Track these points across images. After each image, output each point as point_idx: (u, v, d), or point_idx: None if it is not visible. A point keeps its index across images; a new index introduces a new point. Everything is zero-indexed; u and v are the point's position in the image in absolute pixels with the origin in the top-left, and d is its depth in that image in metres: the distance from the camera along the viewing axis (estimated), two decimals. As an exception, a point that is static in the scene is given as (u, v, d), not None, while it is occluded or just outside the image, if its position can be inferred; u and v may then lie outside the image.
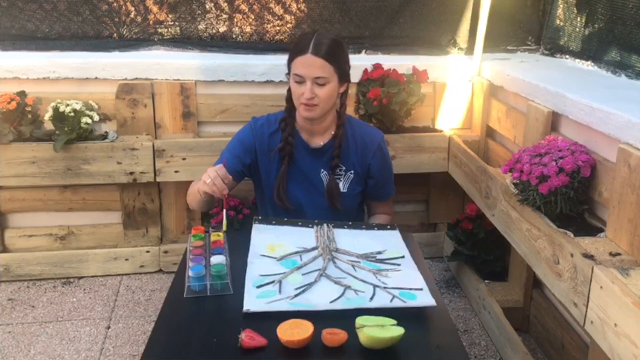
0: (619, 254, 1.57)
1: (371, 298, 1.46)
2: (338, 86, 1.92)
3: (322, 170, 2.02)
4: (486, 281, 2.62)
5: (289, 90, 1.99)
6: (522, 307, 2.48)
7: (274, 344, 1.28)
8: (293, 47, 1.91)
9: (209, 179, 1.74)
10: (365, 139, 2.04)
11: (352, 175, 2.03)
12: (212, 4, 2.88)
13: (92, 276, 2.85)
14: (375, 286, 1.51)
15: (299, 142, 2.01)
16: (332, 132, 2.02)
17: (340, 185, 2.02)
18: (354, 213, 2.10)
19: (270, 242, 1.73)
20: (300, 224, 1.86)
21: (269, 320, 1.33)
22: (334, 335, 1.28)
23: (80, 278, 2.84)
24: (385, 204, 2.16)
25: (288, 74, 1.96)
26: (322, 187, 2.01)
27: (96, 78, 2.72)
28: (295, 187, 2.01)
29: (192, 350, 1.29)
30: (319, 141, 2.02)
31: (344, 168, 2.02)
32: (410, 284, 1.53)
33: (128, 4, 2.84)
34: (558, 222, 1.75)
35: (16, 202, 2.84)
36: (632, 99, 1.86)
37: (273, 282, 1.51)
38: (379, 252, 1.70)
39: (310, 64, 1.84)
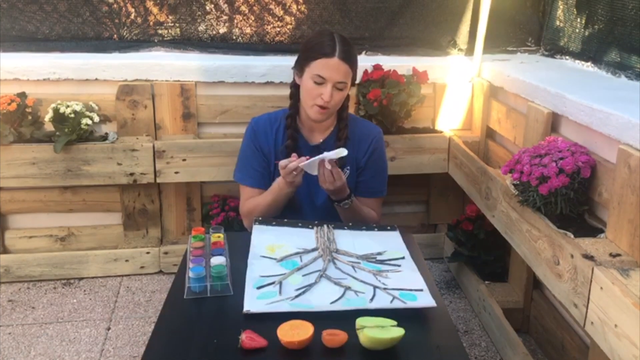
0: (619, 255, 1.57)
1: (371, 299, 1.46)
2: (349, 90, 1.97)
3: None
4: (486, 282, 2.62)
5: (293, 87, 2.00)
6: (523, 307, 2.48)
7: (274, 345, 1.28)
8: (314, 46, 1.90)
9: (289, 176, 1.82)
10: (362, 136, 2.06)
11: (348, 172, 2.04)
12: (213, 5, 2.88)
13: (93, 277, 2.85)
14: (375, 287, 1.51)
15: (300, 140, 2.03)
16: (332, 128, 2.05)
17: None
18: None
19: (271, 243, 1.73)
20: (300, 224, 1.86)
21: (269, 321, 1.33)
22: (334, 336, 1.28)
23: (80, 279, 2.84)
24: (372, 202, 2.11)
25: (295, 68, 1.96)
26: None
27: (96, 79, 2.72)
28: None
29: (192, 351, 1.29)
30: (318, 138, 2.05)
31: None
32: (410, 284, 1.53)
33: (128, 5, 2.84)
34: (558, 223, 1.75)
35: (16, 203, 2.85)
36: (632, 99, 1.86)
37: (273, 283, 1.51)
38: (379, 253, 1.70)
39: (337, 69, 1.86)
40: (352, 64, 1.90)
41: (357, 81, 2.74)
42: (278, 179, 1.93)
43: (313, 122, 1.99)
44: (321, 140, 2.04)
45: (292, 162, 1.81)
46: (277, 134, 2.04)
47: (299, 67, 1.94)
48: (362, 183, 2.09)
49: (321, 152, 2.03)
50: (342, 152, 1.81)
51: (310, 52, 1.90)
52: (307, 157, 1.82)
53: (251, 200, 2.05)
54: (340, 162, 2.01)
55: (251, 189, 2.06)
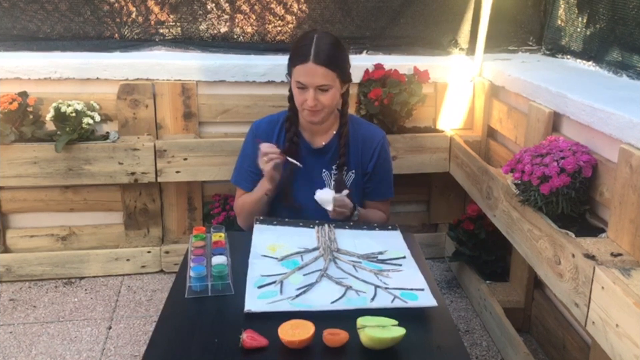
0: (620, 255, 1.57)
1: (372, 298, 1.46)
2: (340, 88, 1.93)
3: (324, 170, 2.03)
4: (487, 282, 2.62)
5: (290, 90, 2.00)
6: (524, 307, 2.48)
7: (275, 344, 1.28)
8: (293, 52, 1.90)
9: (264, 162, 1.87)
10: (366, 139, 2.05)
11: (353, 176, 2.04)
12: (214, 5, 2.88)
13: (94, 276, 2.86)
14: (376, 286, 1.51)
15: (302, 143, 2.02)
16: (334, 131, 2.03)
17: None
18: None
19: (272, 242, 1.73)
20: (301, 224, 1.86)
21: (270, 321, 1.33)
22: (335, 336, 1.28)
23: (81, 278, 2.84)
24: (381, 204, 2.13)
25: (288, 74, 1.96)
26: (323, 187, 2.01)
27: (97, 78, 2.72)
28: (299, 187, 2.01)
29: (193, 350, 1.29)
30: (320, 141, 2.03)
31: (345, 168, 2.02)
32: (411, 284, 1.53)
33: (129, 4, 2.84)
34: (559, 223, 1.75)
35: (18, 203, 2.85)
36: (634, 99, 1.86)
37: (274, 282, 1.51)
38: (380, 253, 1.70)
39: (313, 73, 1.84)
40: (331, 65, 1.85)
41: (358, 81, 2.77)
42: (262, 179, 1.96)
43: (311, 124, 1.98)
44: (324, 144, 2.03)
45: (274, 154, 1.87)
46: (278, 137, 2.03)
47: (288, 73, 1.95)
48: (370, 188, 2.08)
49: (324, 156, 2.03)
50: (345, 192, 1.90)
51: (291, 59, 1.91)
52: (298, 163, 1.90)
53: (242, 197, 2.08)
54: (342, 162, 2.01)
55: (242, 191, 2.09)
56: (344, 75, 1.93)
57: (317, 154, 2.02)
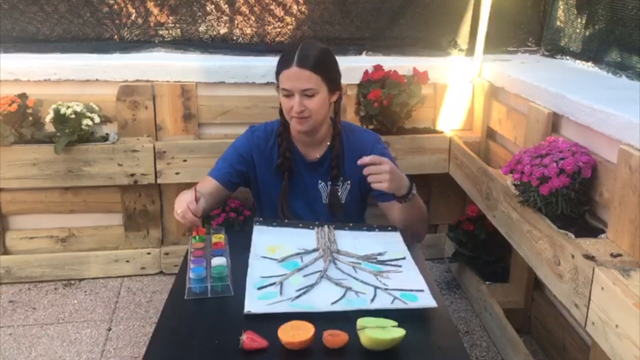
0: (620, 255, 1.57)
1: (372, 299, 1.46)
2: (328, 96, 1.87)
3: (320, 181, 2.00)
4: (487, 282, 2.62)
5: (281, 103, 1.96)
6: (524, 308, 2.48)
7: (275, 345, 1.28)
8: (279, 61, 1.87)
9: (180, 209, 1.71)
10: (360, 145, 1.99)
11: (349, 186, 2.00)
12: (213, 6, 2.89)
13: (93, 278, 2.85)
14: (376, 287, 1.51)
15: (296, 156, 1.98)
16: (328, 143, 1.98)
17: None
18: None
19: (271, 243, 1.73)
20: (301, 225, 1.85)
21: (270, 322, 1.33)
22: (335, 337, 1.28)
23: (81, 280, 2.84)
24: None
25: (277, 85, 1.93)
26: (320, 199, 2.00)
27: (97, 80, 2.72)
28: (295, 200, 2.00)
29: (193, 352, 1.29)
30: (315, 154, 1.99)
31: (340, 179, 1.99)
32: (411, 285, 1.53)
33: (129, 6, 2.84)
34: (559, 223, 1.75)
35: (17, 204, 2.85)
36: (633, 99, 1.86)
37: (274, 283, 1.51)
38: (380, 254, 1.70)
39: (297, 77, 1.80)
40: (316, 69, 1.80)
41: (358, 81, 2.77)
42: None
43: (302, 134, 1.93)
44: (318, 157, 1.98)
45: (188, 212, 1.69)
46: (272, 149, 1.99)
47: (277, 86, 1.90)
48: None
49: (319, 169, 1.99)
50: None
51: (276, 67, 1.87)
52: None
53: (201, 185, 1.94)
54: (334, 174, 1.97)
55: (209, 177, 1.98)
56: (332, 82, 1.86)
57: (312, 167, 1.99)
